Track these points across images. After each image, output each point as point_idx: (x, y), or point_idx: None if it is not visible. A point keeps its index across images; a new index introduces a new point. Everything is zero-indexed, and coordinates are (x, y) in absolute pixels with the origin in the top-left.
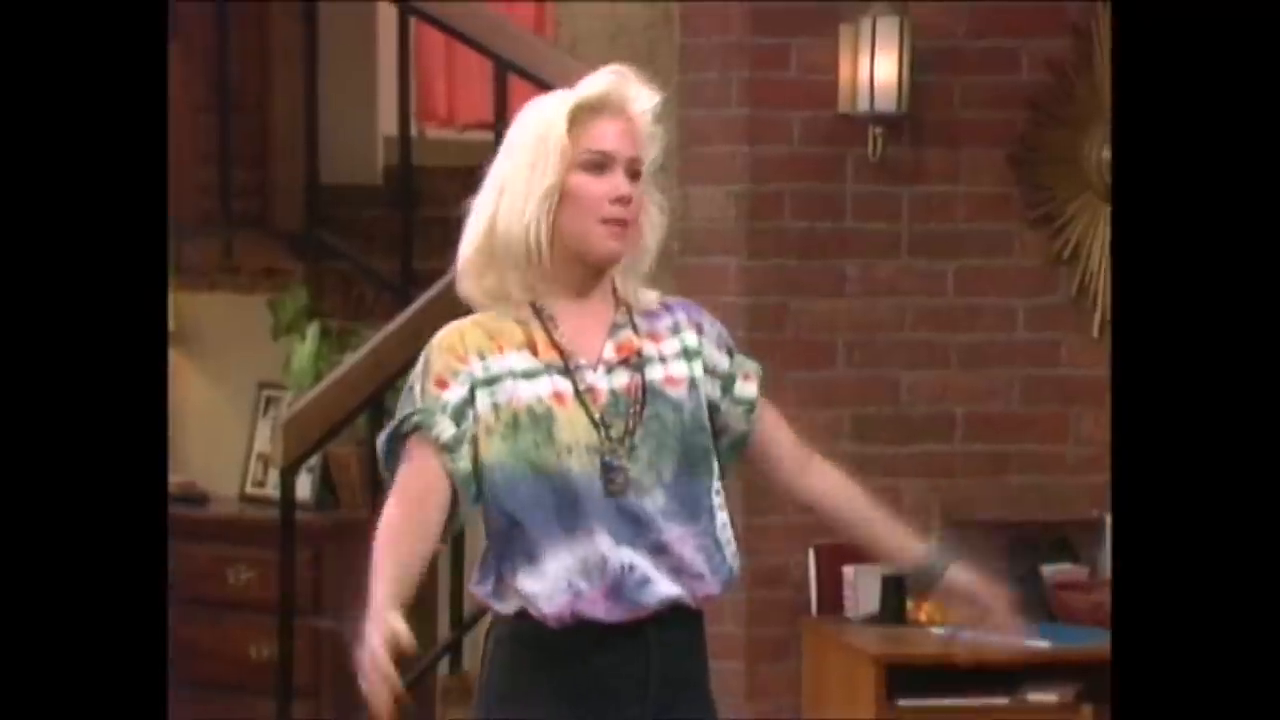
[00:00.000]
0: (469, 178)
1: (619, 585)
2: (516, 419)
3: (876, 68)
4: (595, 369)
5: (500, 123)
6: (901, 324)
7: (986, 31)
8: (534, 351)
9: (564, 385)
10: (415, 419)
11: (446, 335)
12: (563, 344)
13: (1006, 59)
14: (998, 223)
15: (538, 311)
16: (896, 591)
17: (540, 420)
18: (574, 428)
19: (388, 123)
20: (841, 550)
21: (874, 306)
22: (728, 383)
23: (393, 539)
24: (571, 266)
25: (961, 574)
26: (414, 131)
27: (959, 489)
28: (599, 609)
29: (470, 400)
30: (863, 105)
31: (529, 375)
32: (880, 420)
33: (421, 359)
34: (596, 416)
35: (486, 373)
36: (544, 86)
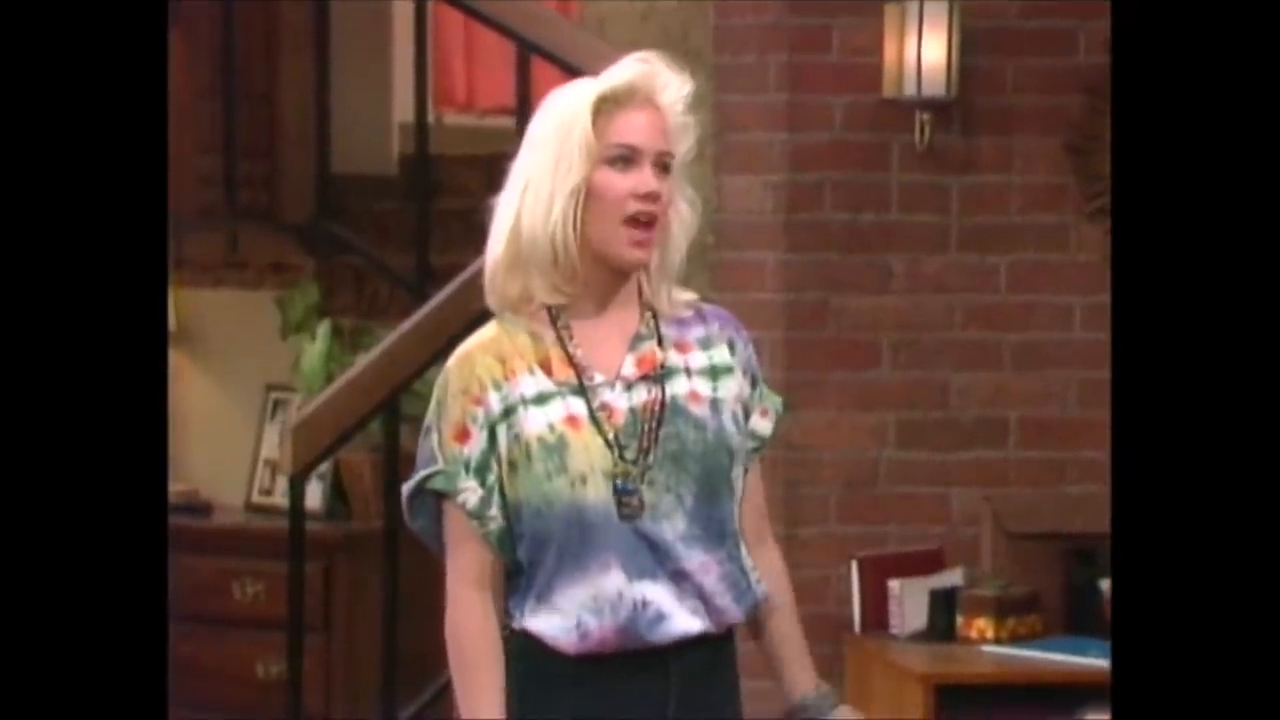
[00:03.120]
0: (489, 166)
1: (631, 622)
2: (529, 450)
3: (924, 50)
4: (613, 386)
5: (523, 108)
6: (950, 322)
7: (1041, 11)
8: (548, 370)
9: (578, 407)
10: (439, 481)
11: (460, 370)
12: (578, 360)
13: (1062, 40)
14: (1053, 215)
15: (554, 320)
16: (946, 606)
17: (552, 450)
18: (588, 453)
19: (403, 108)
20: (886, 563)
21: (921, 304)
22: (746, 414)
23: (486, 638)
24: (597, 268)
25: None
26: (431, 118)
27: (1013, 498)
28: (609, 646)
29: (491, 444)
30: (909, 90)
31: (541, 400)
32: (928, 425)
33: (436, 398)
34: (611, 437)
35: (504, 404)
36: (569, 70)
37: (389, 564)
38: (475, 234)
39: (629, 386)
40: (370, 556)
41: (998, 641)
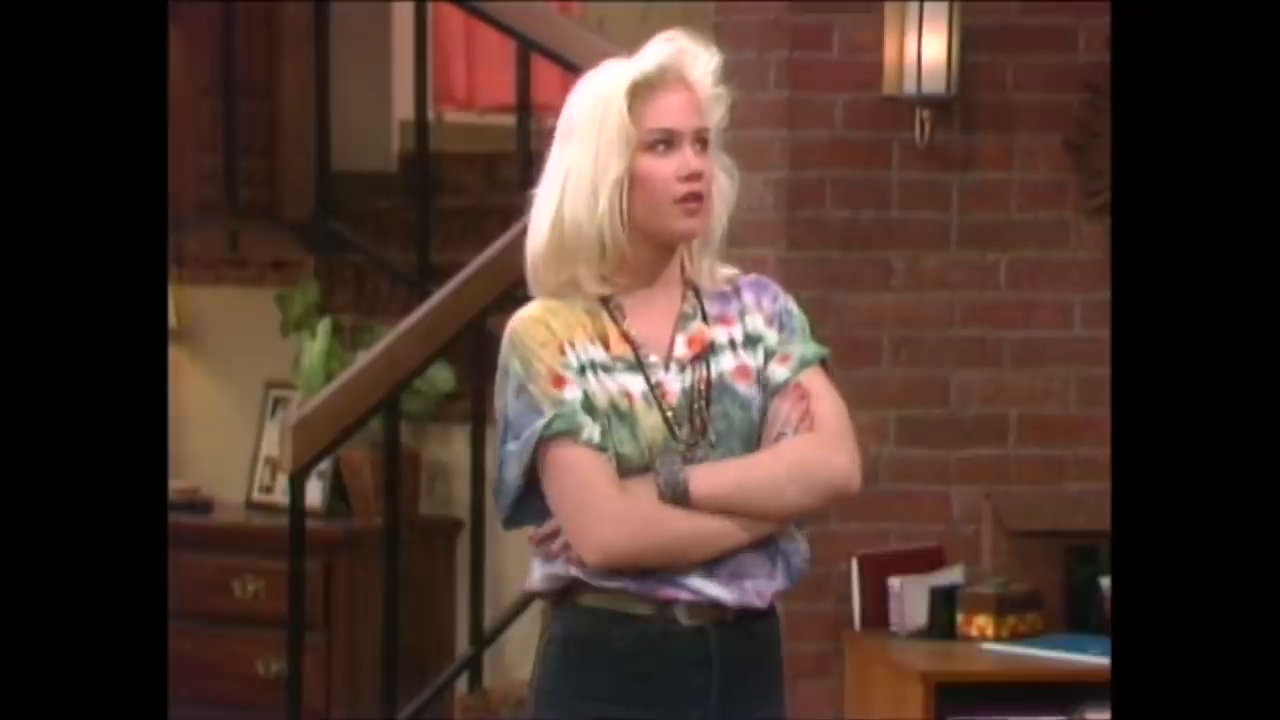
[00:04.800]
0: (490, 164)
1: (659, 577)
2: (600, 414)
3: (924, 47)
4: (667, 367)
5: (523, 106)
6: (951, 320)
7: (1041, 8)
8: (606, 345)
9: (636, 384)
10: (559, 424)
11: (532, 329)
12: (634, 337)
13: (1063, 37)
14: (1053, 212)
15: (605, 302)
16: (946, 604)
17: (624, 417)
18: (646, 428)
19: (403, 106)
20: (886, 560)
21: (921, 301)
22: (766, 359)
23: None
24: (645, 250)
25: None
26: (431, 115)
27: (1013, 496)
28: (627, 580)
29: (585, 390)
30: (909, 87)
31: (607, 369)
32: (928, 422)
33: (515, 358)
34: (669, 416)
35: (579, 361)
36: (569, 67)
37: (389, 562)
38: (475, 231)
39: (682, 368)
40: (370, 554)
41: (998, 639)
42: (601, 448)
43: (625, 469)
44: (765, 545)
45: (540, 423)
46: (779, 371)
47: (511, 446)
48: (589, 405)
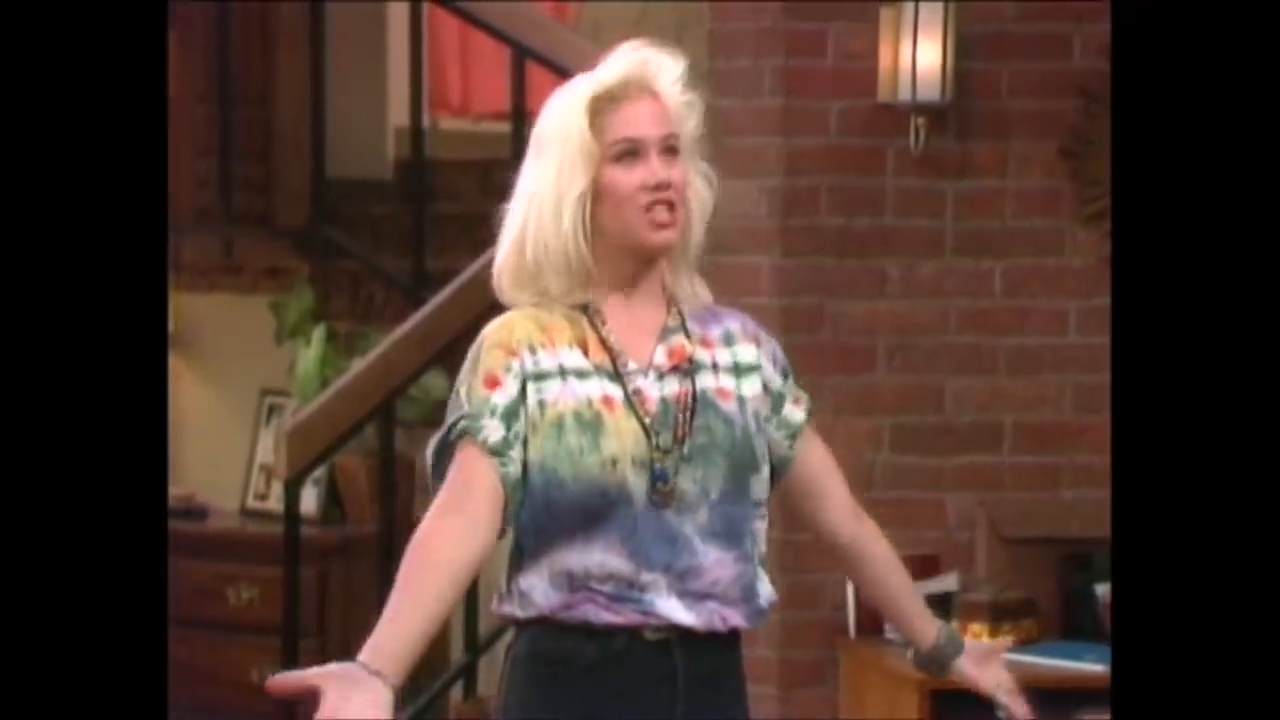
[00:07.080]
0: (485, 171)
1: (621, 594)
2: (562, 421)
3: (919, 54)
4: (646, 374)
5: (518, 112)
6: (945, 327)
7: (1036, 15)
8: (584, 350)
9: (614, 390)
10: (462, 424)
11: (496, 330)
12: (612, 343)
13: (1058, 44)
14: (1048, 219)
15: (585, 308)
16: (941, 611)
17: (587, 426)
18: (622, 436)
19: (398, 113)
20: None
21: (916, 308)
22: (778, 402)
23: (423, 563)
24: (619, 261)
25: (968, 664)
26: (426, 122)
27: (1008, 503)
28: (593, 611)
29: (521, 398)
30: (904, 94)
31: (580, 375)
32: (923, 429)
33: (470, 357)
34: (647, 423)
35: (536, 367)
36: (564, 74)
37: (384, 568)
38: (471, 238)
39: (661, 376)
40: (365, 561)
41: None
42: (495, 451)
43: (580, 477)
44: (742, 576)
45: (447, 425)
46: (796, 413)
47: (429, 447)
48: (512, 410)
